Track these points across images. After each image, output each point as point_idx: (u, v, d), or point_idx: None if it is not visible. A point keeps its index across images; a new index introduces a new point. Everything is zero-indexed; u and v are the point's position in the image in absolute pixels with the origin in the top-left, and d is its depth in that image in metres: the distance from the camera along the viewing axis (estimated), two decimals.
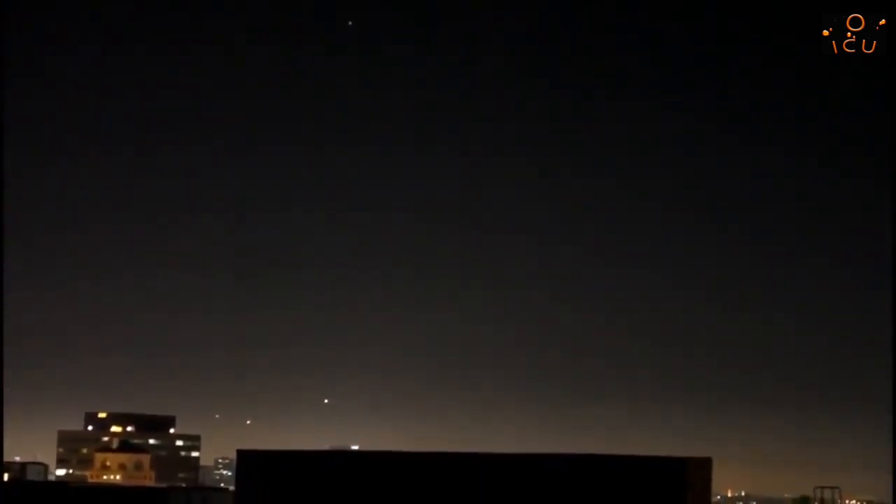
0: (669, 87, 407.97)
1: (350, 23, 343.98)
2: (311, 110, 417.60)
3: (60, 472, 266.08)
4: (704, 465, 27.64)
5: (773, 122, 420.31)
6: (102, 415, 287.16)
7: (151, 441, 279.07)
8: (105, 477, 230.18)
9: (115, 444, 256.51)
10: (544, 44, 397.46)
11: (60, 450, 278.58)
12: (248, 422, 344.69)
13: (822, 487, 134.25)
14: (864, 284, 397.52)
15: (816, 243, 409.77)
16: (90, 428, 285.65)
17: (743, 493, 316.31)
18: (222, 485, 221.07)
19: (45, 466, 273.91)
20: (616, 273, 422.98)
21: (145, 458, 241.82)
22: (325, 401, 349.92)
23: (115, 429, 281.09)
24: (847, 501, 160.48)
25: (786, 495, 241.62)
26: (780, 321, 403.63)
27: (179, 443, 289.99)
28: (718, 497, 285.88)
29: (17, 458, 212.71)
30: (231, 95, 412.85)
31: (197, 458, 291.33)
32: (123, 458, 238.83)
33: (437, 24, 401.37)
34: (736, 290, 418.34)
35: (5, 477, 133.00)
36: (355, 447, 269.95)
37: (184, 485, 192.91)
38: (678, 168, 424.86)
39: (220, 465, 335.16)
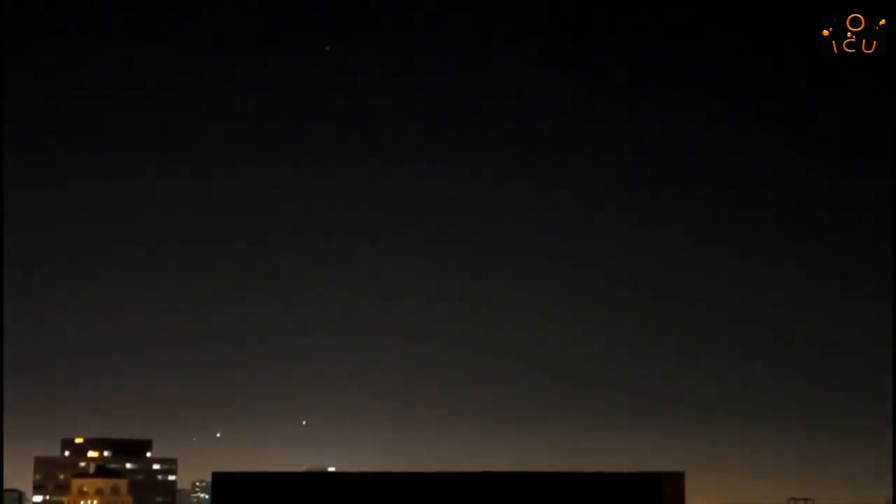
0: (664, 87, 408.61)
1: (327, 47, 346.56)
2: (292, 131, 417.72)
3: (37, 498, 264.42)
4: (678, 479, 27.84)
5: (772, 123, 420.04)
6: (79, 440, 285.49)
7: (128, 465, 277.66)
8: (82, 503, 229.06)
9: (91, 470, 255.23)
10: (532, 61, 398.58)
11: (37, 476, 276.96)
12: (218, 434, 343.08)
13: (796, 499, 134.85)
14: (840, 296, 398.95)
15: (803, 253, 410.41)
16: (67, 453, 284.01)
17: None
18: None
19: (21, 493, 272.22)
20: (594, 293, 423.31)
21: (122, 483, 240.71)
22: (303, 422, 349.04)
23: (92, 454, 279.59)
24: None
25: None
26: (751, 332, 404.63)
27: (156, 467, 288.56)
28: None
29: None
30: (213, 127, 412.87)
31: (174, 482, 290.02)
32: (100, 483, 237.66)
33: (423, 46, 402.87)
34: (709, 304, 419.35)
35: None
36: (332, 468, 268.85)
37: None
38: (668, 171, 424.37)
39: (198, 489, 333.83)
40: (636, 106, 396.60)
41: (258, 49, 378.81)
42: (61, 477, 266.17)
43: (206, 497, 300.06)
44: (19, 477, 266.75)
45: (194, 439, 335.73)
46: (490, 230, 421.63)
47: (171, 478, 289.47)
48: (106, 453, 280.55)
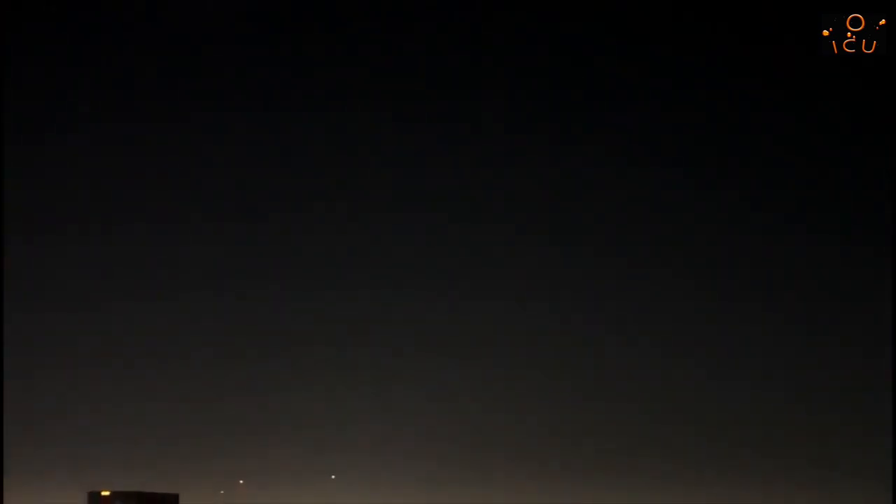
0: (661, 88, 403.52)
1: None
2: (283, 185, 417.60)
3: None
4: None
5: (770, 123, 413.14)
6: (106, 493, 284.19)
7: None
8: None
9: None
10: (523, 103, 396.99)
11: None
12: (241, 481, 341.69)
13: None
14: (839, 334, 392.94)
15: (801, 254, 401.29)
16: None
17: None
18: None
19: None
20: (583, 347, 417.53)
21: None
22: (332, 476, 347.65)
23: None
24: None
25: None
26: (726, 387, 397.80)
27: None
28: None
29: None
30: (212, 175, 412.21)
31: None
32: None
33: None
34: (689, 351, 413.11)
35: None
36: None
37: None
38: (660, 174, 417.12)
39: None
40: (622, 106, 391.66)
41: None
42: None
43: None
44: None
45: (221, 492, 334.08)
46: (502, 288, 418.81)
47: None
48: None
